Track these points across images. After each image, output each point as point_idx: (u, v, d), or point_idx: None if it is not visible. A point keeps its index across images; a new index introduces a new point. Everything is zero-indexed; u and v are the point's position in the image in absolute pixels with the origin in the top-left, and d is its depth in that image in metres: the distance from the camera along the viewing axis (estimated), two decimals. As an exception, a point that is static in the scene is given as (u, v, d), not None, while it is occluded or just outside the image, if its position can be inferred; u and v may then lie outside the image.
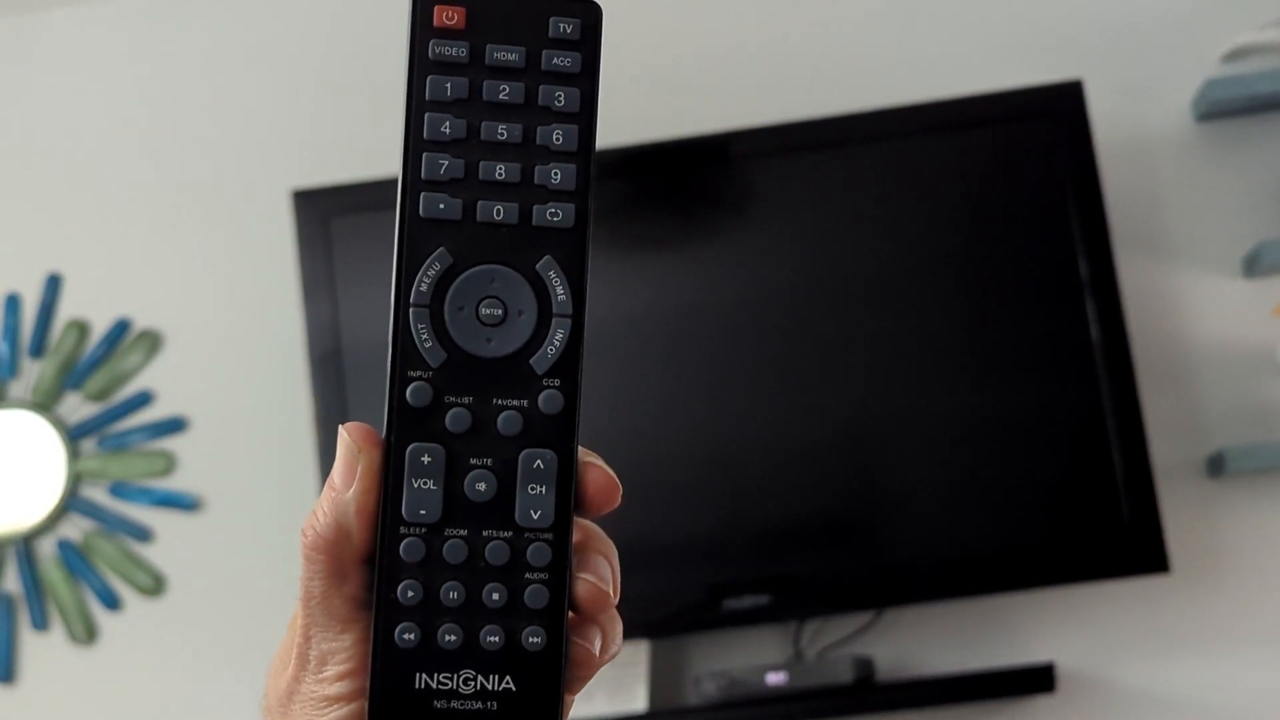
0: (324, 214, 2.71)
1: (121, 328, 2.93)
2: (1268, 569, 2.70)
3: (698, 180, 2.71)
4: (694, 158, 2.71)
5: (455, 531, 0.72)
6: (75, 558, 2.87)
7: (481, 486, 0.72)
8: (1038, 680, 2.54)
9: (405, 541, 0.73)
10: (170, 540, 2.88)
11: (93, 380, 2.92)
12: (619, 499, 0.76)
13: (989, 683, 2.57)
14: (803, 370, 2.62)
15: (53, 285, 2.96)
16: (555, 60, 0.72)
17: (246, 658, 2.83)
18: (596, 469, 0.74)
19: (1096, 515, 2.56)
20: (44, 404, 2.92)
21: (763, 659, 2.74)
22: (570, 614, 0.74)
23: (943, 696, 2.58)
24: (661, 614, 2.60)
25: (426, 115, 0.71)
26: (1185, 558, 2.69)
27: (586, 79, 0.73)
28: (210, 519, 2.87)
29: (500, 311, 0.72)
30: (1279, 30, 2.76)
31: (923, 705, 2.60)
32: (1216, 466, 2.67)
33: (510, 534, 0.72)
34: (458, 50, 0.72)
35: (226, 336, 2.91)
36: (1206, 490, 2.73)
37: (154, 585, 2.86)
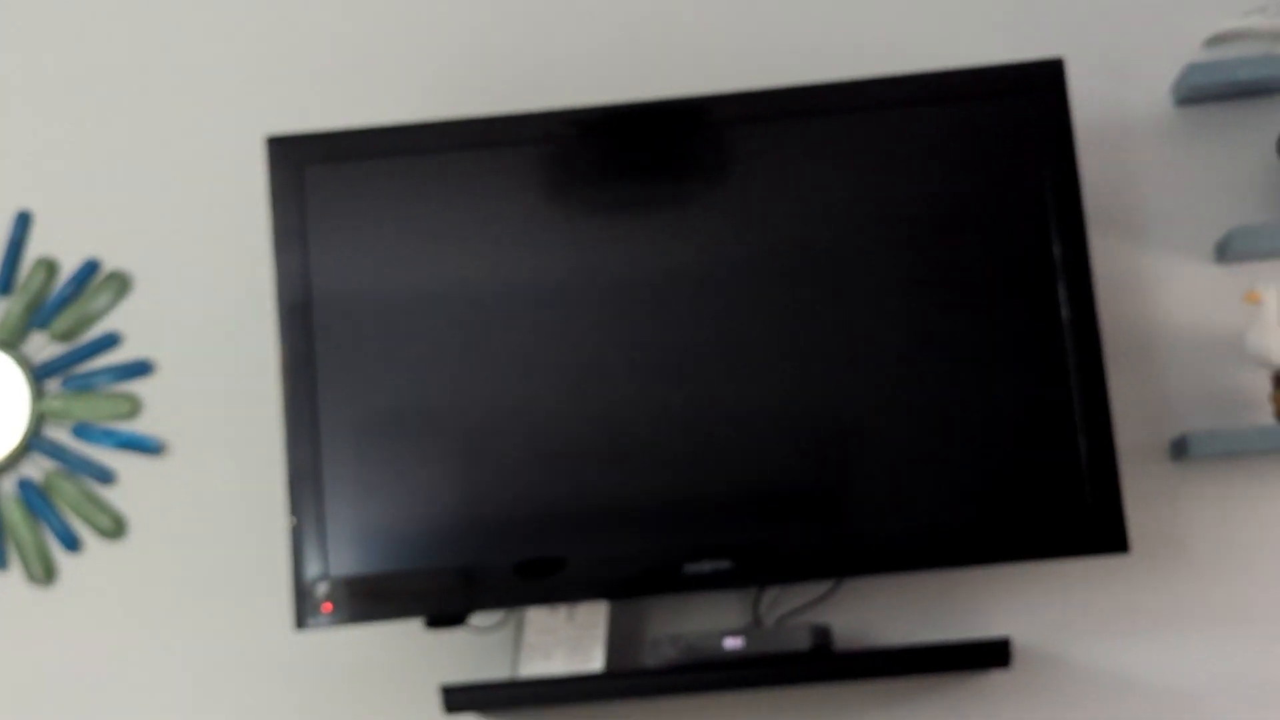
0: (299, 162, 2.70)
1: (91, 268, 2.91)
2: (1226, 553, 2.72)
3: (675, 143, 2.70)
4: (673, 120, 2.70)
5: None
6: (36, 497, 2.86)
7: None
8: (993, 655, 2.55)
9: None
10: (132, 483, 2.87)
11: (60, 320, 2.90)
12: None
13: (944, 655, 2.58)
14: (773, 339, 2.62)
15: (22, 222, 2.93)
16: None
17: (204, 603, 2.83)
18: None
19: (1059, 494, 2.57)
20: (10, 342, 2.90)
21: (721, 624, 2.74)
22: None
23: (898, 667, 2.59)
24: (622, 576, 2.60)
25: None
26: (1145, 539, 2.71)
27: None
28: (173, 463, 2.86)
29: None
30: (1262, 17, 2.76)
31: (878, 675, 2.61)
32: (1180, 450, 2.69)
33: None
34: None
35: (196, 281, 2.90)
36: (1169, 473, 2.74)
37: (114, 528, 2.85)
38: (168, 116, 2.94)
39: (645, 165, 2.70)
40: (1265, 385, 2.74)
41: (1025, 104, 2.65)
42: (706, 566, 2.58)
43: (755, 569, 2.60)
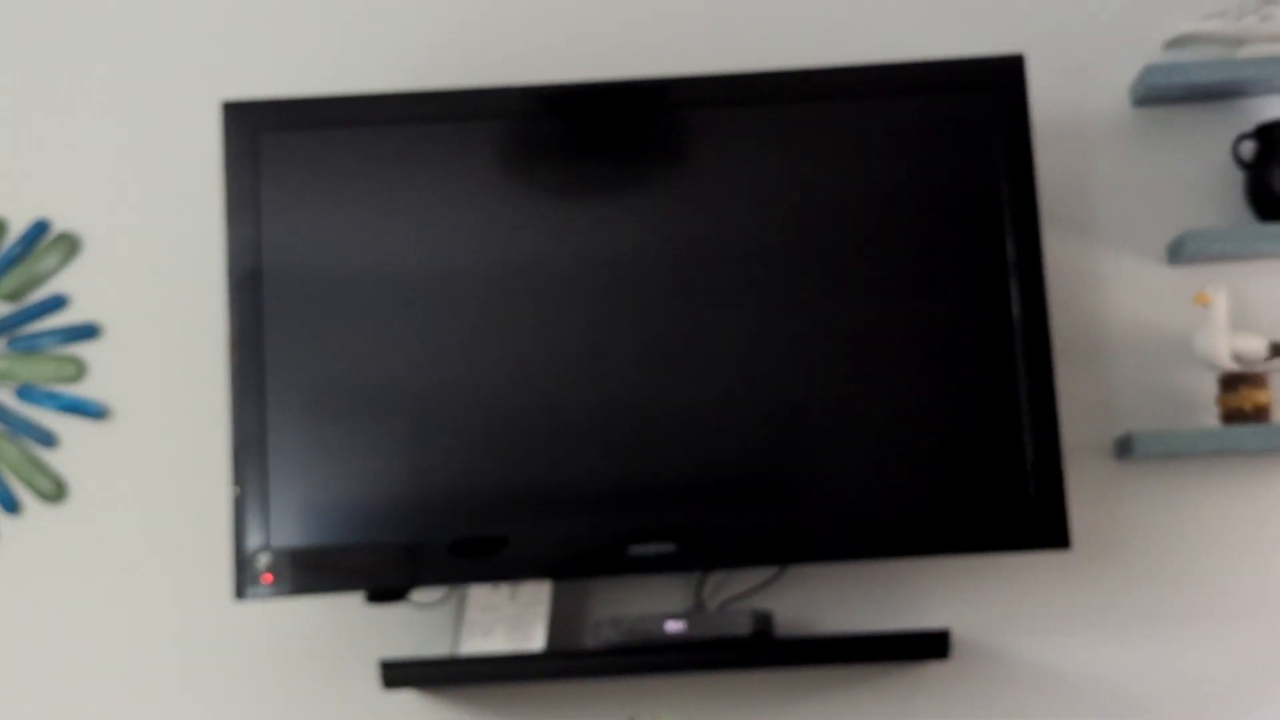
0: (254, 128, 2.68)
1: (40, 228, 2.88)
2: (1166, 552, 2.75)
3: (635, 124, 2.69)
4: (634, 101, 2.69)
5: None
6: (-23, 458, 2.84)
7: None
8: (932, 646, 2.57)
9: None
10: (75, 447, 2.84)
11: (7, 280, 2.87)
12: None
13: (884, 645, 2.59)
14: (726, 324, 2.62)
15: (-29, 180, 2.91)
16: None
17: (144, 570, 2.81)
18: None
19: (1003, 488, 2.58)
20: (-46, 300, 2.87)
21: (664, 607, 2.75)
22: None
23: (838, 655, 2.60)
24: (566, 556, 2.60)
25: None
26: (1087, 536, 2.73)
27: None
28: (117, 429, 2.84)
29: None
30: (1221, 21, 2.78)
31: (818, 662, 2.62)
32: (1124, 449, 2.70)
33: None
34: None
35: (147, 246, 2.87)
36: (1113, 472, 2.76)
37: (55, 491, 2.83)
38: (124, 78, 2.91)
39: (605, 145, 2.69)
40: (1211, 387, 2.76)
41: (985, 99, 2.66)
42: (651, 549, 2.58)
43: (699, 553, 2.60)
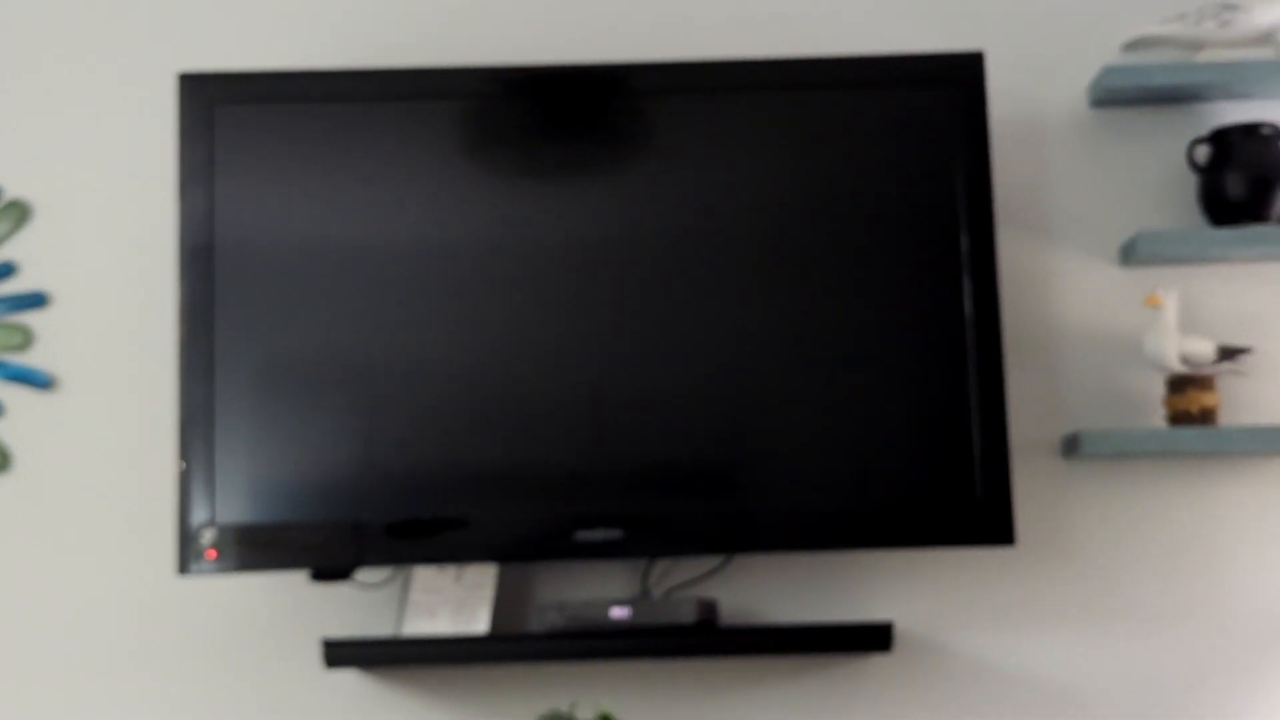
0: (210, 100, 2.65)
1: (-11, 195, 2.86)
2: (1110, 551, 2.76)
3: (596, 109, 2.69)
4: (595, 86, 2.69)
5: None
6: (-81, 425, 2.81)
7: None
8: (875, 638, 2.58)
9: None
10: (20, 417, 2.82)
11: (-46, 245, 2.84)
12: None
13: (827, 636, 2.60)
14: (679, 312, 2.61)
15: (-79, 143, 2.87)
16: None
17: (87, 542, 2.79)
18: None
19: (950, 484, 2.59)
20: (-99, 264, 2.84)
21: (609, 593, 2.75)
22: None
23: (781, 645, 2.61)
24: (512, 539, 2.59)
25: None
26: (1032, 533, 2.74)
27: None
28: (63, 399, 2.82)
29: None
30: (1179, 25, 2.79)
31: (761, 652, 2.63)
32: (1071, 447, 2.72)
33: None
34: None
35: (98, 215, 2.85)
36: (1059, 470, 2.78)
37: (0, 461, 2.80)
38: (80, 46, 2.88)
39: (564, 129, 2.69)
40: (1159, 389, 2.78)
41: (944, 94, 2.66)
42: (598, 535, 2.58)
43: (646, 540, 2.60)
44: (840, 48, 2.82)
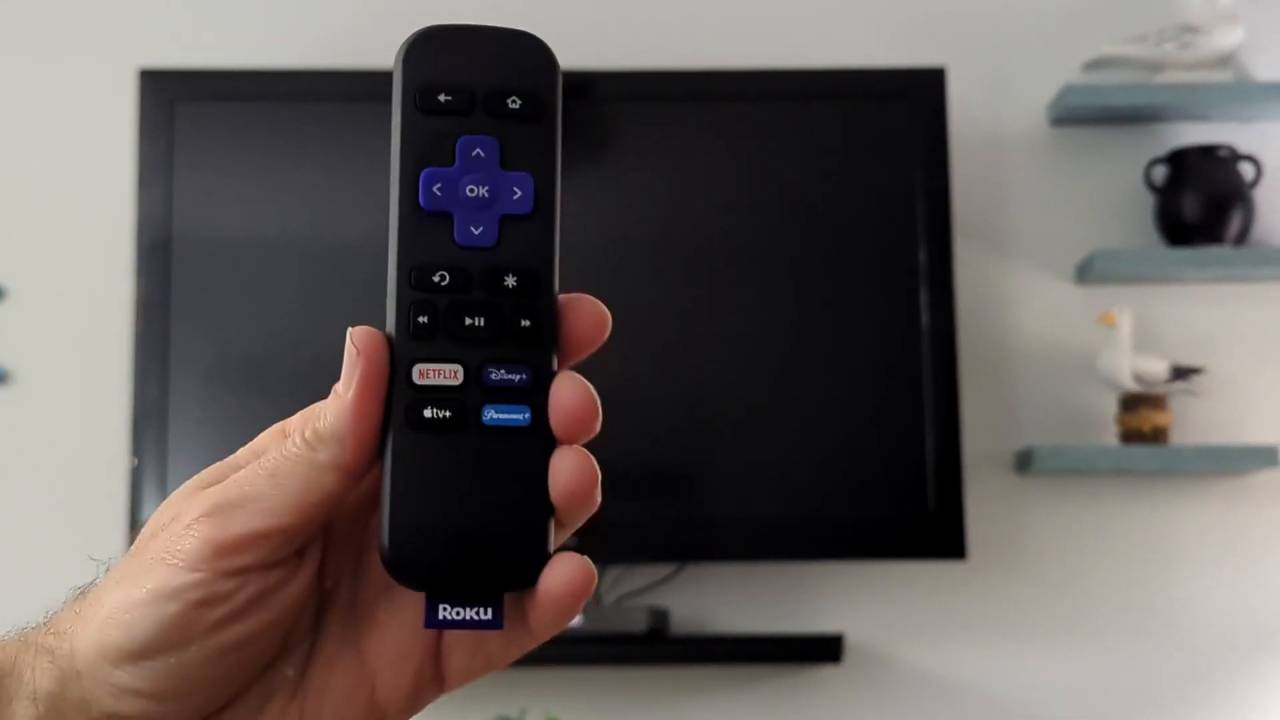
0: (170, 97, 2.64)
1: (-56, 186, 2.83)
2: (1060, 567, 2.78)
3: (556, 115, 2.69)
4: (555, 92, 2.68)
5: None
6: None
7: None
8: (825, 649, 2.58)
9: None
10: (-30, 410, 2.80)
11: (-93, 236, 2.81)
12: (606, 333, 0.73)
13: (778, 647, 2.60)
14: (635, 319, 2.62)
15: (-124, 132, 2.84)
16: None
17: (36, 537, 2.77)
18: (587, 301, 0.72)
19: (903, 496, 2.60)
20: None
21: (560, 599, 2.74)
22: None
23: (731, 655, 2.61)
24: (465, 543, 2.59)
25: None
26: (983, 547, 2.75)
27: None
28: (15, 393, 2.79)
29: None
30: (1140, 46, 2.81)
31: (711, 661, 2.63)
32: (1024, 463, 2.73)
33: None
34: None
35: (55, 209, 2.83)
36: (1011, 485, 2.79)
37: (-53, 454, 2.78)
38: (39, 39, 2.86)
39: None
40: (1112, 406, 2.79)
41: (905, 109, 2.68)
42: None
43: (598, 546, 2.59)
44: (804, 60, 2.83)
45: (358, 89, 2.65)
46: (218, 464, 0.73)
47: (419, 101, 0.70)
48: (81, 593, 0.71)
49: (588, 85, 2.68)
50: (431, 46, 0.72)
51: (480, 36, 0.72)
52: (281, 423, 0.73)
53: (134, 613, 0.67)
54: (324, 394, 0.74)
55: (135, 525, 2.55)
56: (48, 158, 2.84)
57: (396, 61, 0.71)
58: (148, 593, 0.66)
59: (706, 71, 2.69)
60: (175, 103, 2.64)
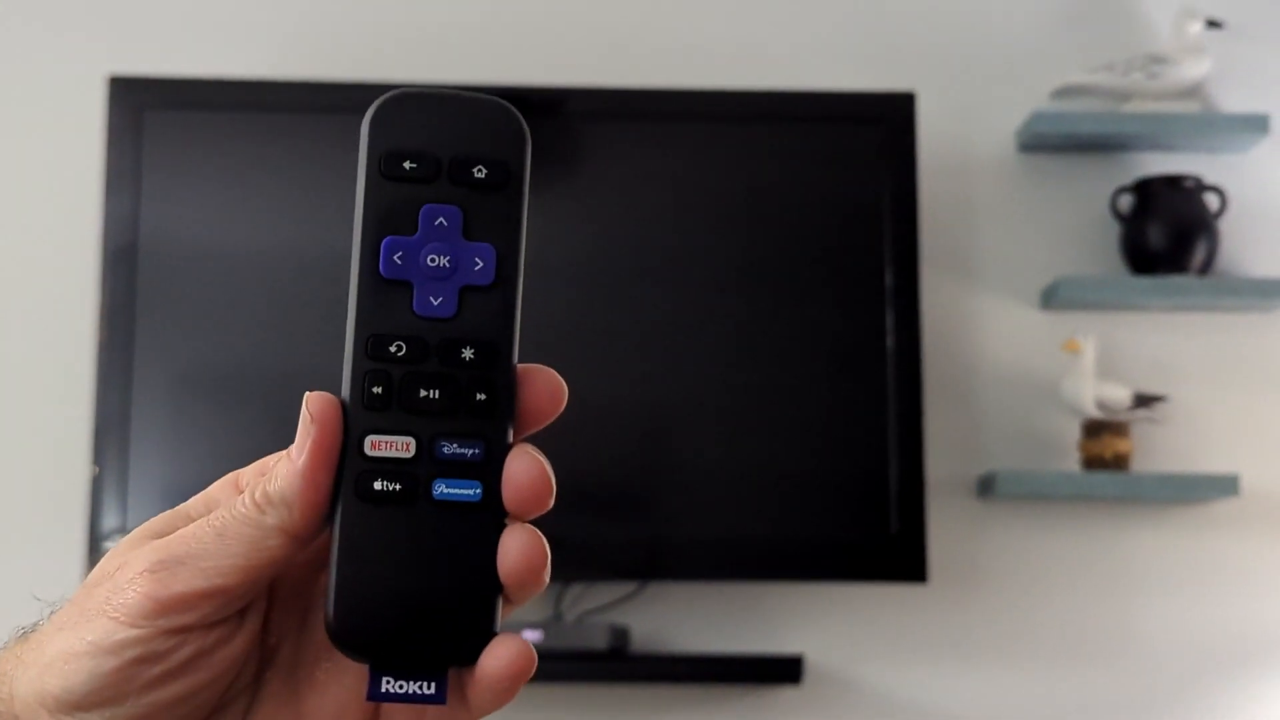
0: (139, 105, 2.63)
1: (-91, 189, 2.81)
2: (1021, 591, 2.79)
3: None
4: (527, 108, 2.68)
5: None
6: None
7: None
8: (785, 670, 2.58)
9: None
10: (-70, 415, 2.78)
11: None
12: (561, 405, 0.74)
13: (737, 667, 2.60)
14: (602, 335, 2.62)
15: None
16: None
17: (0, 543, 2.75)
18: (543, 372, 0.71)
19: (865, 518, 2.60)
20: None
21: (522, 615, 2.73)
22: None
23: (691, 674, 2.61)
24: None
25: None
26: (944, 571, 2.76)
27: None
28: (-24, 399, 2.78)
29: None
30: (1108, 75, 2.83)
31: (671, 680, 2.62)
32: (986, 487, 2.74)
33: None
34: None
35: (19, 215, 2.81)
36: (974, 509, 2.80)
37: (-94, 459, 2.76)
38: (7, 45, 2.85)
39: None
40: (1075, 433, 2.80)
41: (874, 132, 2.69)
42: (512, 557, 2.57)
43: (560, 563, 2.59)
44: (775, 82, 2.84)
45: (327, 100, 2.65)
46: (169, 512, 0.72)
47: (383, 167, 0.70)
48: (24, 635, 0.71)
49: (559, 102, 2.68)
50: (399, 111, 0.70)
51: (450, 103, 0.71)
52: (235, 472, 0.73)
53: (72, 664, 0.66)
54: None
55: (94, 534, 2.53)
56: (14, 163, 2.83)
57: (364, 124, 0.70)
58: (87, 645, 0.66)
59: (677, 91, 2.70)
60: (144, 110, 2.63)
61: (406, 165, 0.70)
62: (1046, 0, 2.91)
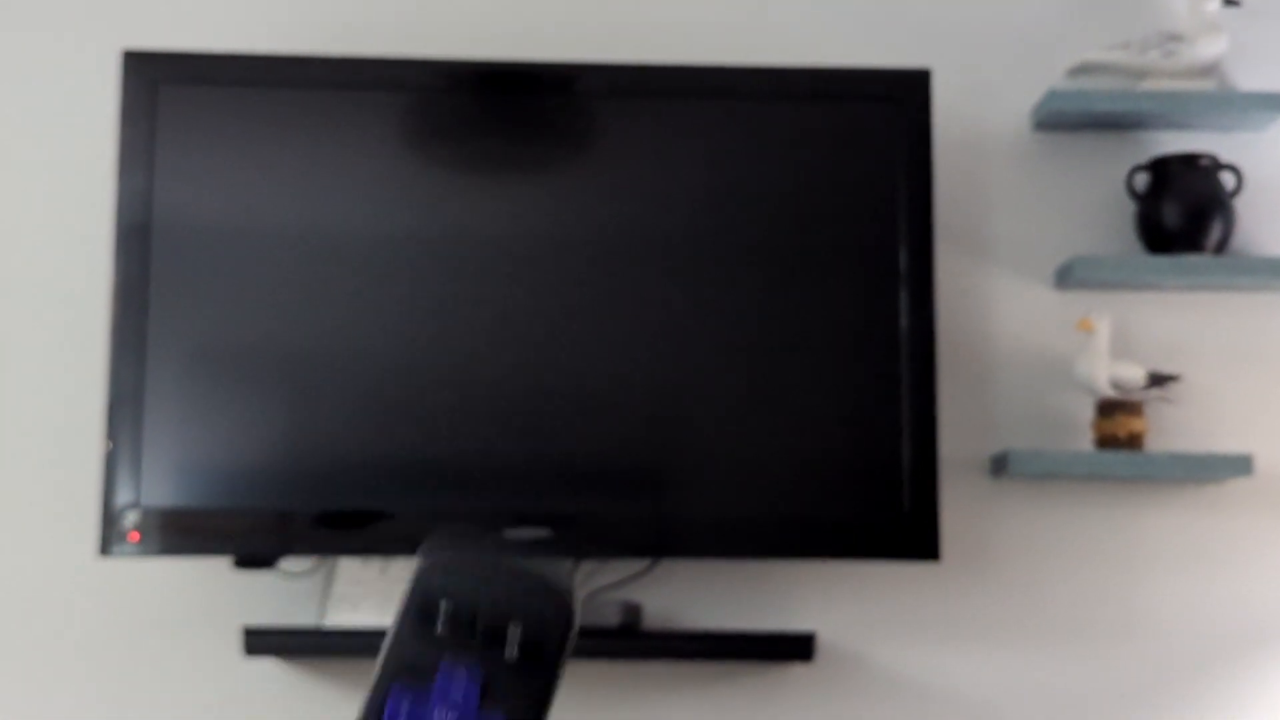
0: (154, 79, 2.63)
1: (-76, 163, 2.82)
2: (1034, 570, 2.79)
3: (541, 107, 2.68)
4: (542, 84, 2.68)
5: None
6: None
7: None
8: (797, 648, 2.59)
9: None
10: (-55, 389, 2.78)
11: (-114, 213, 2.80)
12: None
13: (749, 644, 2.61)
14: (613, 314, 2.62)
15: None
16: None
17: (10, 519, 2.76)
18: None
19: (879, 497, 2.60)
20: None
21: (533, 592, 2.74)
22: None
23: (703, 651, 2.61)
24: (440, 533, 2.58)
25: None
26: (956, 549, 2.76)
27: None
28: (-10, 374, 2.79)
29: None
30: (1124, 53, 2.82)
31: (682, 657, 2.63)
32: (999, 466, 2.74)
33: None
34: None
35: (34, 190, 2.82)
36: (986, 488, 2.80)
37: (-79, 433, 2.77)
38: (23, 18, 2.85)
39: (508, 126, 2.68)
40: (1088, 412, 2.80)
41: (889, 110, 2.68)
42: (526, 533, 2.58)
43: (574, 540, 2.60)
44: (789, 59, 2.83)
45: (343, 76, 2.64)
46: None
47: (418, 611, 0.67)
48: None
49: (571, 79, 2.67)
50: (454, 559, 0.68)
51: (505, 567, 0.68)
52: None
53: None
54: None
55: (108, 509, 2.54)
56: (29, 137, 2.83)
57: (417, 557, 0.68)
58: None
59: (690, 67, 2.69)
60: (159, 85, 2.63)
61: (440, 615, 0.67)
62: (1063, -22, 2.90)
